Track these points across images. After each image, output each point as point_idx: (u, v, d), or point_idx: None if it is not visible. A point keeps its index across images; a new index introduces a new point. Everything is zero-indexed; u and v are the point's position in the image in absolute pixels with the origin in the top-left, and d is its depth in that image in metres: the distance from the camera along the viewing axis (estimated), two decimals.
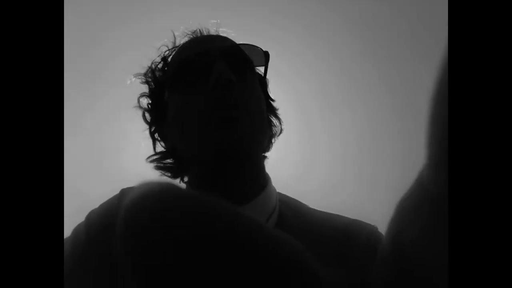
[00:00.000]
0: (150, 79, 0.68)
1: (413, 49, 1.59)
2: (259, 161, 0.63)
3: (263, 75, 0.67)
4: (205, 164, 0.60)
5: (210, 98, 0.56)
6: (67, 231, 0.62)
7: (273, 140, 0.70)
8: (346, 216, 0.60)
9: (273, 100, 0.71)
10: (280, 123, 0.71)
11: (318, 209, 0.62)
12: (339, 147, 1.68)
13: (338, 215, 0.60)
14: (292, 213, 0.60)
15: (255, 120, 0.58)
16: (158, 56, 0.69)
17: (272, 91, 0.72)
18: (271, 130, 0.69)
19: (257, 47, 0.63)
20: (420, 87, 1.56)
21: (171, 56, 0.67)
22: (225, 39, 0.65)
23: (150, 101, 0.69)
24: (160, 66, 0.68)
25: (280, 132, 0.71)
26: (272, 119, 0.70)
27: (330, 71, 1.70)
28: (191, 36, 0.68)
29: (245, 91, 0.58)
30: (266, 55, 0.64)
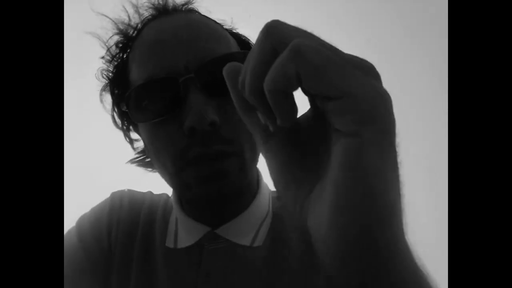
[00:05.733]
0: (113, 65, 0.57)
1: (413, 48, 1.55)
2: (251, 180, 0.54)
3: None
4: (184, 198, 0.55)
5: (187, 146, 0.45)
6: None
7: None
8: None
9: None
10: None
11: None
12: None
13: None
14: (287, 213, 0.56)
15: (246, 154, 0.48)
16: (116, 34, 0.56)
17: None
18: None
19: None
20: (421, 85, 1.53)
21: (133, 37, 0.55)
22: (199, 34, 0.48)
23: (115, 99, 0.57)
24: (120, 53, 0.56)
25: None
26: None
27: None
28: (154, 14, 0.54)
29: (232, 119, 0.45)
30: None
